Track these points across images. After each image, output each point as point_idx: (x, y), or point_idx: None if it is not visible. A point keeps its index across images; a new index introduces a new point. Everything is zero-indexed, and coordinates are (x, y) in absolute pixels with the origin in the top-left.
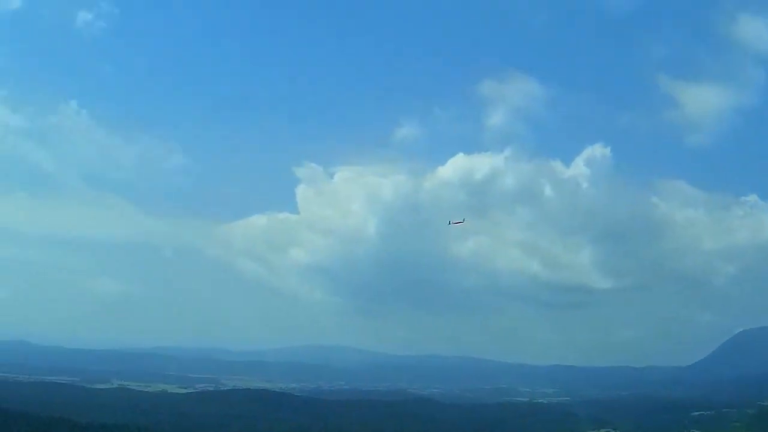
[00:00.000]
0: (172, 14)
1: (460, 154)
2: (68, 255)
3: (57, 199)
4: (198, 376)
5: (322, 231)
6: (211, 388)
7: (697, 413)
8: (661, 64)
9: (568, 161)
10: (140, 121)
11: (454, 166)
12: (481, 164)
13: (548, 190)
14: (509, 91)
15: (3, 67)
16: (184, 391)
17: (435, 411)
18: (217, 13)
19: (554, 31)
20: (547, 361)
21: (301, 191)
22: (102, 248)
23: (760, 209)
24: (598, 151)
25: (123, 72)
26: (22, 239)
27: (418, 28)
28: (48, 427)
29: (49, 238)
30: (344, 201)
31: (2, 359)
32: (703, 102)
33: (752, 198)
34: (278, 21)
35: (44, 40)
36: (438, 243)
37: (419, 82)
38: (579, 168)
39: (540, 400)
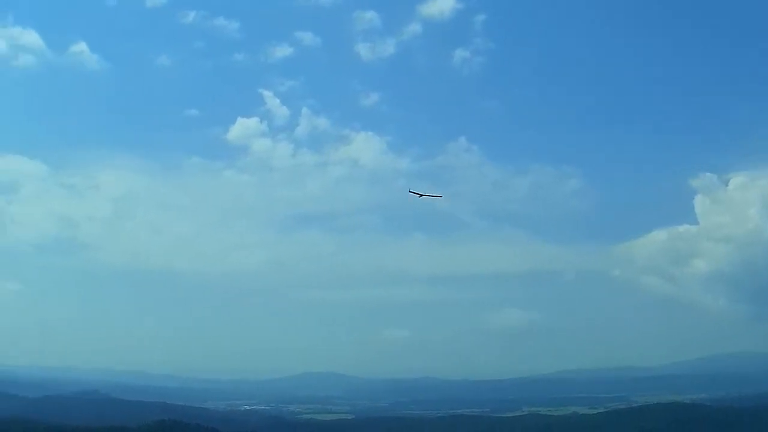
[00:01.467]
0: (544, 40)
1: None
2: (467, 290)
3: (452, 236)
4: (606, 395)
5: (722, 239)
6: (622, 406)
7: None
8: None
9: None
10: (528, 151)
11: None
12: None
13: None
14: None
15: (388, 115)
16: (594, 411)
17: None
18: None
19: None
20: None
21: (699, 201)
22: (502, 280)
23: None
24: None
25: (505, 104)
26: (419, 280)
27: None
28: None
29: (448, 275)
30: (741, 207)
31: (411, 396)
32: None
33: None
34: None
35: (422, 82)
36: None
37: None
38: None
39: None
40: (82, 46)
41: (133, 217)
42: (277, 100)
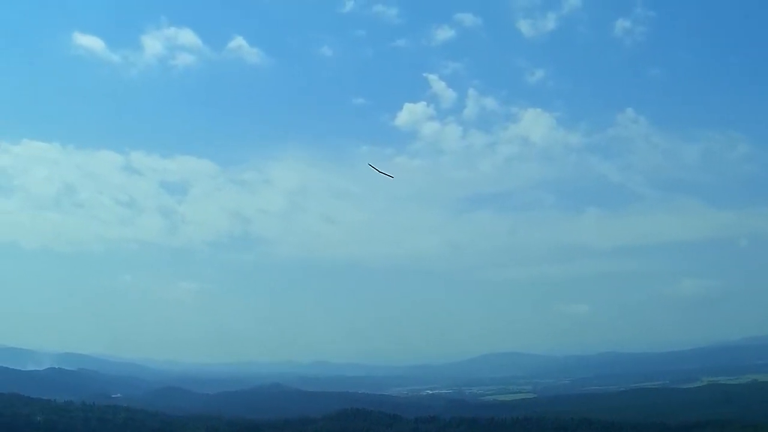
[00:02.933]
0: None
1: None
2: (644, 262)
3: (626, 208)
4: None
5: None
6: None
7: None
8: None
9: None
10: (695, 118)
11: None
12: None
13: None
14: None
15: (555, 89)
16: None
17: None
18: None
19: None
20: None
21: None
22: (678, 250)
23: None
24: None
25: (669, 72)
26: (596, 254)
27: None
28: (639, 430)
29: (623, 247)
30: None
31: (593, 371)
32: None
33: None
34: None
35: (585, 55)
36: None
37: None
38: None
39: None
40: (240, 41)
41: (307, 208)
42: (443, 83)
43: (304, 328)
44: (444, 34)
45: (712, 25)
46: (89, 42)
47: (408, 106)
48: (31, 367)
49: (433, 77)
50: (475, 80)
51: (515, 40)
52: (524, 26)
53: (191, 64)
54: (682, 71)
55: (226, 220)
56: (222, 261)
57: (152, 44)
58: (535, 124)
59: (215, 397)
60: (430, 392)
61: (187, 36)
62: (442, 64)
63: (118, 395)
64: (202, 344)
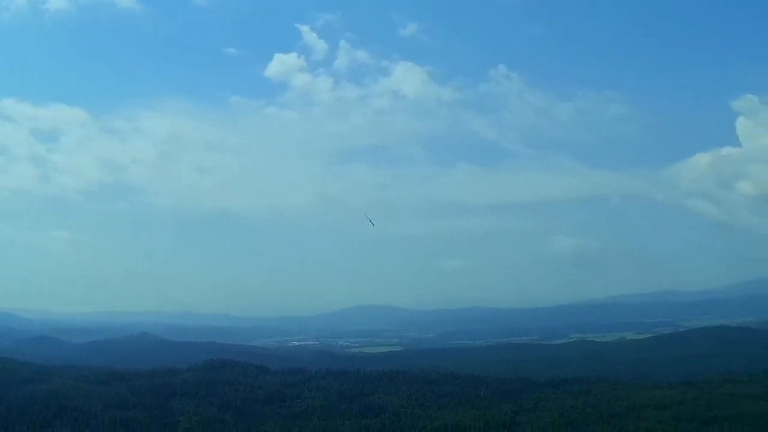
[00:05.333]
0: None
1: None
2: (516, 219)
3: (500, 165)
4: (654, 320)
5: (766, 161)
6: (668, 331)
7: None
8: None
9: None
10: (571, 77)
11: None
12: None
13: None
14: None
15: (428, 43)
16: (641, 337)
17: None
18: None
19: None
20: None
21: (741, 123)
22: (550, 208)
23: None
24: None
25: (545, 31)
26: (468, 210)
27: None
28: (507, 386)
29: (496, 204)
30: None
31: (460, 326)
32: None
33: None
34: None
35: (459, 9)
36: None
37: None
38: None
39: None
40: None
41: (180, 159)
42: (314, 35)
43: (173, 279)
44: None
45: None
46: None
47: (279, 57)
48: None
49: (305, 28)
50: (347, 32)
51: None
52: None
53: (63, 8)
54: (557, 30)
55: (98, 169)
56: (94, 210)
57: None
58: (407, 78)
59: (85, 347)
60: (297, 344)
61: None
62: (315, 16)
63: None
64: (73, 294)
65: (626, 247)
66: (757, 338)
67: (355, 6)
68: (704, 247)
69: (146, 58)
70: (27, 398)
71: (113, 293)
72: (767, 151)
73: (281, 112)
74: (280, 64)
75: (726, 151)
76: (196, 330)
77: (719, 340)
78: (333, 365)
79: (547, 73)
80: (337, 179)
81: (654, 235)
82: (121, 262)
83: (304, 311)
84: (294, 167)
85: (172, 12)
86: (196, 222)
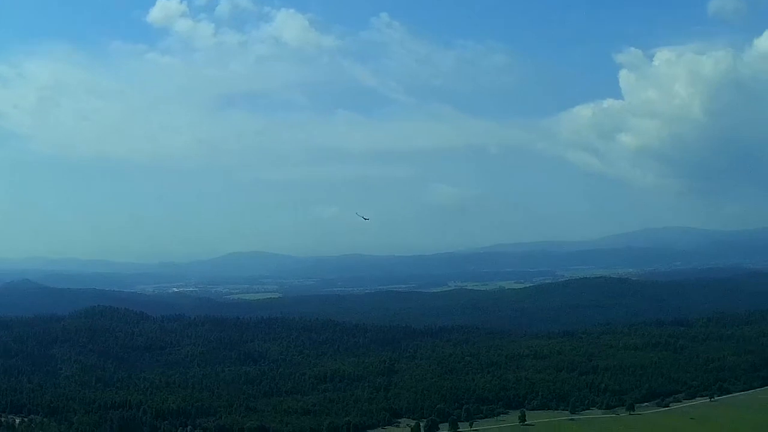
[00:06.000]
0: None
1: None
2: (396, 167)
3: (380, 112)
4: (534, 270)
5: (648, 114)
6: (548, 281)
7: None
8: None
9: None
10: (453, 26)
11: None
12: None
13: None
14: None
15: None
16: (521, 286)
17: None
18: None
19: None
20: None
21: (624, 76)
22: (431, 156)
23: None
24: None
25: None
26: (348, 157)
27: None
28: (386, 334)
29: (376, 152)
30: (666, 82)
31: (339, 274)
32: None
33: None
34: None
35: None
36: (763, 115)
37: None
38: None
39: None
40: None
41: (60, 104)
42: None
43: (54, 225)
44: None
45: None
46: None
47: (161, 2)
48: None
49: None
50: None
51: None
52: None
53: None
54: None
55: None
56: None
57: None
58: (289, 24)
59: None
60: (177, 290)
61: None
62: None
63: None
64: None
65: (506, 197)
66: (636, 289)
67: None
68: (584, 198)
69: (28, 1)
70: None
71: None
72: (649, 104)
73: (162, 58)
74: (162, 9)
75: (608, 103)
76: (77, 277)
77: (598, 291)
78: (212, 312)
79: (429, 22)
80: (217, 125)
81: (534, 185)
82: (0, 209)
83: (184, 258)
84: (174, 113)
85: None
86: (76, 168)
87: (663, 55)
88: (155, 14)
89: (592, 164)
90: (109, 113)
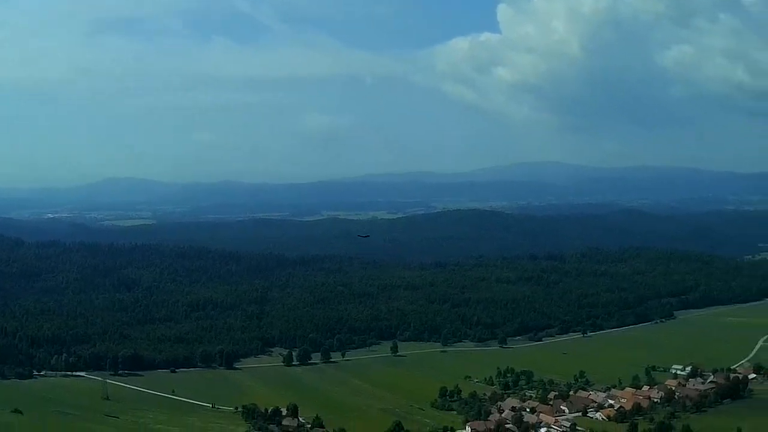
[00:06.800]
0: None
1: None
2: (272, 95)
3: (255, 40)
4: (408, 200)
5: (526, 49)
6: (421, 212)
7: None
8: None
9: None
10: None
11: None
12: None
13: None
14: None
15: None
16: (393, 216)
17: (643, 222)
18: None
19: None
20: (754, 168)
21: (502, 11)
22: (306, 84)
23: None
24: None
25: None
26: (224, 83)
27: None
28: (259, 262)
29: (250, 79)
30: (545, 18)
31: (212, 200)
32: None
33: None
34: None
35: None
36: (641, 55)
37: None
38: None
39: (746, 208)
40: None
41: None
42: None
43: None
44: None
45: None
46: None
47: None
48: None
49: None
50: None
51: None
52: None
53: None
54: None
55: None
56: None
57: None
58: None
59: None
60: (52, 216)
61: None
62: None
63: None
64: None
65: (381, 128)
66: (509, 223)
67: None
68: (459, 130)
69: None
70: None
71: None
72: (527, 39)
73: None
74: None
75: (485, 36)
76: None
77: (471, 223)
78: (87, 238)
79: None
80: (93, 51)
81: (409, 116)
82: None
83: (59, 183)
84: (48, 39)
85: None
86: None
87: None
88: None
89: (468, 97)
90: None
